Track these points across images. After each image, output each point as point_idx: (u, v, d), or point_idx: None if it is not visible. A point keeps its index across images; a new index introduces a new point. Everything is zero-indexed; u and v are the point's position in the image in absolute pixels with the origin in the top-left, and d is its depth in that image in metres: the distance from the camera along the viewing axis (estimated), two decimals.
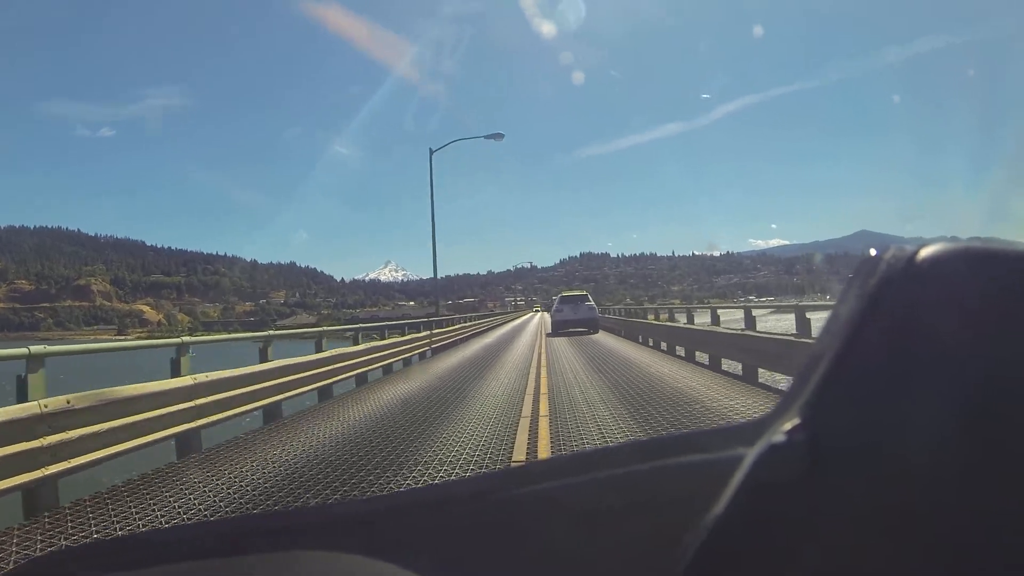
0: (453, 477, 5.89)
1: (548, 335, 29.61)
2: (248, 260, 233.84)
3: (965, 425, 0.48)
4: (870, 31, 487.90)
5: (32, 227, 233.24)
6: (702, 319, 17.81)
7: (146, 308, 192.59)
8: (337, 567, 0.69)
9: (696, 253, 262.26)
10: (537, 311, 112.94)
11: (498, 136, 32.45)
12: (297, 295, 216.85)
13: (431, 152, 29.29)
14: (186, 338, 8.58)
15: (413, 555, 0.65)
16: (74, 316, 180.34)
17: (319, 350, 12.54)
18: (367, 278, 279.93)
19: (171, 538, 0.90)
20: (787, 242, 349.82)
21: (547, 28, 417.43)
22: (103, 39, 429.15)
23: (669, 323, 22.59)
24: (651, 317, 26.84)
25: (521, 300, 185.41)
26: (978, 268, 0.53)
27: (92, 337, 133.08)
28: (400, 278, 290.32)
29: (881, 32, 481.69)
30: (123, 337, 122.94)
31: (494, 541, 0.64)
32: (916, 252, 0.53)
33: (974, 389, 0.49)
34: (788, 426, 0.51)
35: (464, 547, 0.65)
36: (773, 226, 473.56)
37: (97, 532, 4.95)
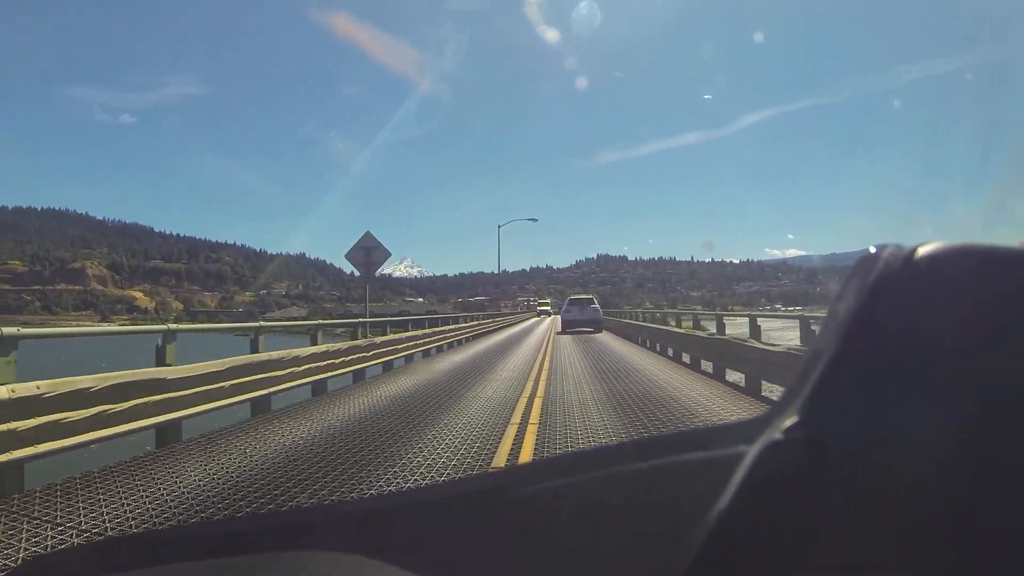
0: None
1: (557, 333, 32.49)
2: (257, 249, 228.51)
3: (963, 423, 0.48)
4: (885, 49, 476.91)
5: (40, 208, 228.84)
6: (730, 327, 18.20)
7: (139, 295, 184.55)
8: (339, 567, 0.69)
9: (715, 259, 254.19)
10: (547, 309, 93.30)
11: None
12: (300, 287, 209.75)
13: (499, 227, 30.65)
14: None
15: (416, 554, 0.65)
16: (63, 300, 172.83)
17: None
18: (379, 273, 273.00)
19: (173, 537, 0.89)
20: (804, 252, 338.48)
21: (558, 32, 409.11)
22: (126, 26, 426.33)
23: (659, 326, 24.34)
24: (673, 323, 24.40)
25: (533, 300, 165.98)
26: (976, 267, 0.53)
27: (75, 323, 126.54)
28: (415, 274, 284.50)
29: (895, 51, 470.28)
30: (107, 323, 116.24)
31: (497, 540, 0.64)
32: (914, 250, 0.53)
33: (972, 387, 0.49)
34: (787, 424, 0.51)
35: (466, 546, 0.65)
36: (790, 236, 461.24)
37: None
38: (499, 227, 37.86)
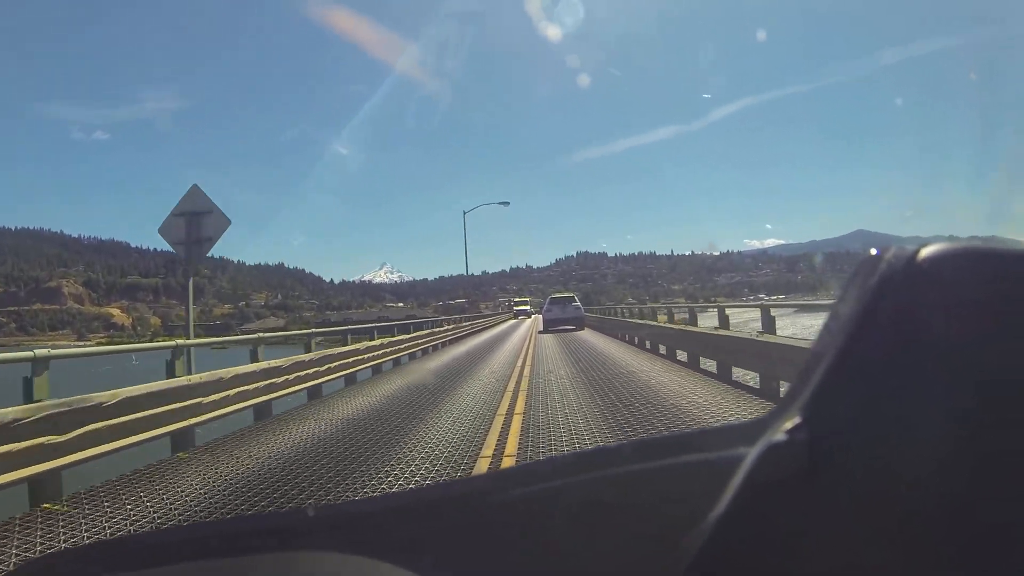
0: None
1: (539, 332, 31.62)
2: (235, 261, 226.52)
3: (965, 424, 0.48)
4: (868, 33, 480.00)
5: (14, 228, 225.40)
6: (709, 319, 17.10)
7: (116, 311, 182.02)
8: (337, 567, 0.69)
9: (696, 252, 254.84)
10: (526, 309, 78.02)
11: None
12: (279, 296, 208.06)
13: (464, 213, 32.84)
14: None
15: (413, 555, 0.65)
16: (39, 320, 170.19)
17: None
18: (359, 280, 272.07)
19: (171, 538, 0.89)
20: (783, 242, 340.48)
21: (548, 30, 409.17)
22: (100, 40, 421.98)
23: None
24: (662, 318, 22.92)
25: (515, 301, 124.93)
26: (979, 268, 0.53)
27: (50, 343, 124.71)
28: (395, 279, 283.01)
29: (879, 34, 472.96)
30: (84, 343, 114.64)
31: (494, 541, 0.64)
32: (917, 251, 0.53)
33: (974, 388, 0.49)
34: (788, 425, 0.51)
35: (464, 547, 0.65)
36: (768, 226, 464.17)
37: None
38: (464, 213, 35.39)
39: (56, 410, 5.91)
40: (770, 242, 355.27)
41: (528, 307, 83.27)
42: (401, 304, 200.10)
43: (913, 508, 0.48)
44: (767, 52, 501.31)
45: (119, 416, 6.70)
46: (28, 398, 6.25)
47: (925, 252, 0.53)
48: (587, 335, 28.37)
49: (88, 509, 5.69)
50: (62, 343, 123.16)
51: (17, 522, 5.15)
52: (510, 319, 64.79)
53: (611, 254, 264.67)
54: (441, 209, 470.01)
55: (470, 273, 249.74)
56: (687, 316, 19.46)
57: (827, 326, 0.56)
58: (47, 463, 5.72)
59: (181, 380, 8.12)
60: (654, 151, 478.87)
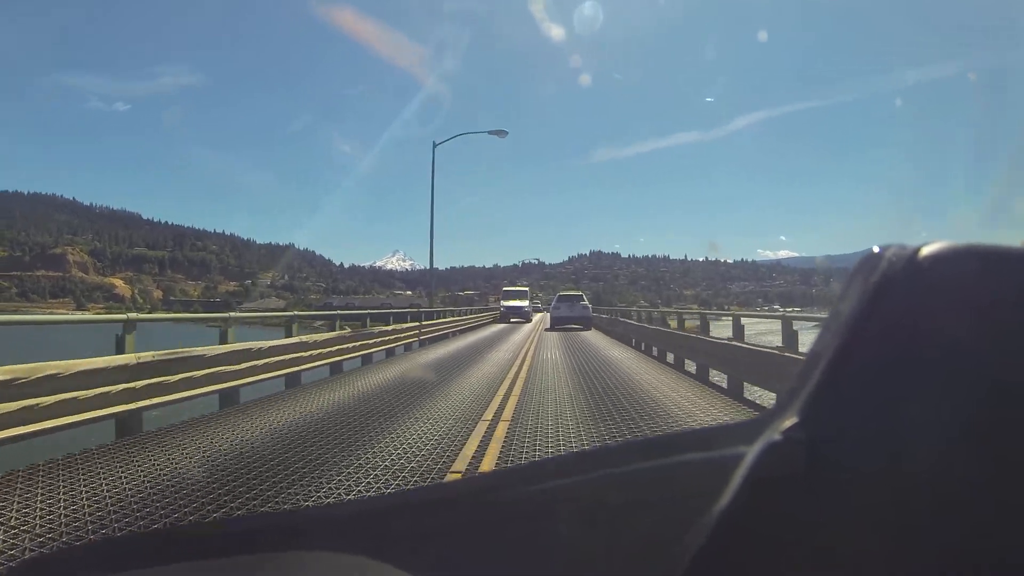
0: None
1: (546, 330, 30.60)
2: (244, 239, 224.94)
3: (965, 425, 0.48)
4: (883, 53, 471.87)
5: (26, 193, 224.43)
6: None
7: (119, 282, 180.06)
8: (339, 567, 0.69)
9: (709, 259, 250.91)
10: (520, 305, 45.69)
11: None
12: (286, 277, 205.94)
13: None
14: None
15: (415, 555, 0.65)
16: (40, 287, 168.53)
17: None
18: (369, 265, 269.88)
19: (171, 538, 0.89)
20: (797, 254, 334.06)
21: (559, 31, 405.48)
22: (124, 14, 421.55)
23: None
24: (673, 324, 20.71)
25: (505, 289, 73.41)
26: (980, 267, 0.52)
27: (49, 311, 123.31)
28: (407, 267, 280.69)
29: (894, 54, 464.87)
30: (83, 311, 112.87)
31: (495, 541, 0.64)
32: (918, 250, 0.53)
33: (974, 388, 0.49)
34: (787, 425, 0.51)
35: (465, 547, 0.65)
36: (782, 238, 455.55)
37: None
38: (435, 144, 29.65)
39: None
40: (783, 253, 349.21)
41: (527, 303, 49.68)
42: (409, 292, 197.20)
43: (911, 508, 0.48)
44: (785, 67, 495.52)
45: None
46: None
47: (926, 251, 0.53)
48: (598, 339, 25.69)
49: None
50: (60, 311, 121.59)
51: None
52: (488, 321, 41.61)
53: (624, 255, 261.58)
54: (457, 201, 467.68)
55: (482, 266, 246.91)
56: (699, 323, 17.72)
57: (827, 325, 0.56)
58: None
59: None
60: (671, 156, 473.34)
